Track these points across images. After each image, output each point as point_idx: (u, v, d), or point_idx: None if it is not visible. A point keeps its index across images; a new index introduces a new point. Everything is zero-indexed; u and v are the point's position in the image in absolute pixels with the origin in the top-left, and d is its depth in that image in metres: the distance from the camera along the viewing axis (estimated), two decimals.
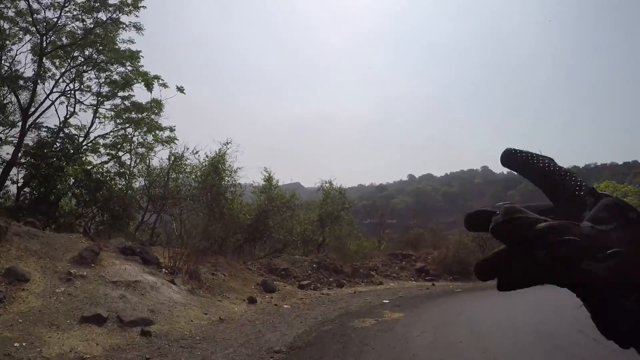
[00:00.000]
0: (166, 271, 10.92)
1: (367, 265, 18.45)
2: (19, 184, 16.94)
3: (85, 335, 6.78)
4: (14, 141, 17.05)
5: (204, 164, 19.86)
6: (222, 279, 11.86)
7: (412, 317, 9.70)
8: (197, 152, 20.06)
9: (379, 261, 20.25)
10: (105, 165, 18.64)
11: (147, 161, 19.78)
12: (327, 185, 24.36)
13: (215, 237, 15.31)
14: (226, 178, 19.67)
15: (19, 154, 16.46)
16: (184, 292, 9.82)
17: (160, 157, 24.77)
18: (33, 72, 16.53)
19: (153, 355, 6.36)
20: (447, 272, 19.39)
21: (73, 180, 16.43)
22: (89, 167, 17.34)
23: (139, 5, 16.52)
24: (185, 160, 19.90)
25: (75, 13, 16.31)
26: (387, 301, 11.83)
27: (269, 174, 21.99)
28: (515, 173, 0.66)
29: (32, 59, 16.89)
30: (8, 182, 16.95)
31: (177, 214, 18.88)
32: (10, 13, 15.92)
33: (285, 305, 10.80)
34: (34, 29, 16.24)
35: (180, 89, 18.37)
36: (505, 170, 0.66)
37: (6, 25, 16.19)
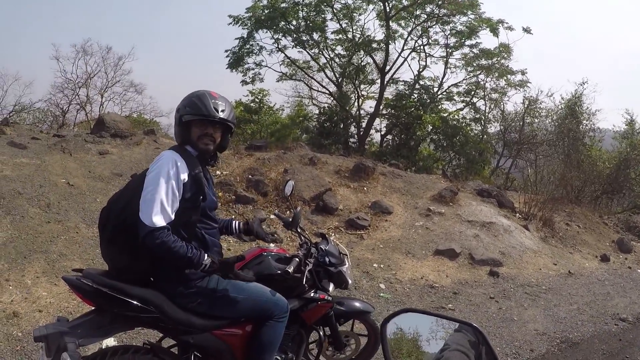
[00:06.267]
0: (520, 216, 10.97)
1: None
2: (382, 132, 19.77)
3: (437, 266, 7.56)
4: (375, 96, 19.48)
5: (559, 107, 18.65)
6: (576, 230, 11.28)
7: None
8: (551, 95, 19.00)
9: None
10: (461, 112, 19.40)
11: (501, 106, 19.74)
12: None
13: (572, 186, 14.51)
14: (584, 122, 18.06)
15: (381, 107, 18.83)
16: (536, 239, 9.76)
17: (514, 101, 24.41)
18: (383, 35, 18.27)
19: (497, 295, 6.69)
20: None
21: (431, 127, 17.89)
22: (445, 115, 18.36)
23: None
24: (540, 103, 19.08)
25: None
26: None
27: (631, 117, 19.12)
28: None
29: (379, 24, 18.65)
30: (372, 131, 19.83)
31: (532, 159, 18.56)
32: None
33: (639, 270, 9.64)
34: None
35: (527, 30, 17.40)
36: None
37: (350, 0, 18.32)
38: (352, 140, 19.30)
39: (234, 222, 3.03)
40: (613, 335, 5.74)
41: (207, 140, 2.50)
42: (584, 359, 4.92)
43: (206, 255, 2.39)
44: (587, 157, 17.06)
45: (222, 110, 2.47)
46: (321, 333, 3.22)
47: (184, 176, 2.37)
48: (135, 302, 2.30)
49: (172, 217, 2.32)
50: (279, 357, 2.81)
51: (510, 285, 7.30)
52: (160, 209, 2.26)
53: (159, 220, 2.25)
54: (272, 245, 3.34)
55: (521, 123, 19.13)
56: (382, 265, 7.21)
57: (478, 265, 7.87)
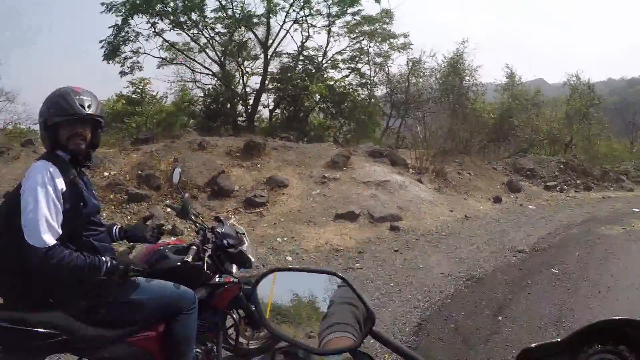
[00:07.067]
0: (413, 171, 11.34)
1: (617, 169, 16.64)
2: (270, 107, 19.55)
3: (339, 230, 7.57)
4: (260, 72, 19.15)
5: (442, 66, 19.61)
6: (468, 178, 11.88)
7: None
8: (434, 55, 19.93)
9: (631, 165, 17.76)
10: (347, 79, 19.61)
11: (386, 69, 20.28)
12: (574, 79, 22.27)
13: (460, 138, 15.26)
14: (467, 78, 19.20)
15: (266, 82, 18.62)
16: (431, 191, 10.15)
17: (398, 64, 25.14)
18: (264, 9, 17.94)
19: (401, 247, 6.83)
20: None
21: (318, 97, 17.99)
22: (331, 83, 18.53)
23: None
24: (424, 64, 19.92)
25: None
26: (638, 210, 10.33)
27: (511, 71, 21.04)
28: None
29: None
30: (260, 107, 19.59)
31: (420, 117, 19.36)
32: None
33: (530, 206, 10.41)
34: None
35: None
36: None
37: None
38: (240, 119, 18.93)
39: (114, 227, 2.83)
40: (513, 266, 6.08)
41: (78, 140, 2.31)
42: (490, 291, 5.11)
43: (102, 257, 2.27)
44: (472, 110, 18.22)
45: (89, 106, 2.28)
46: (235, 316, 3.21)
47: (61, 185, 2.19)
48: (39, 329, 2.09)
49: (60, 231, 2.14)
50: (199, 350, 2.73)
51: (412, 236, 7.50)
52: (47, 226, 2.09)
53: (49, 239, 2.07)
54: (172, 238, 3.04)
55: (407, 84, 19.84)
56: (285, 238, 7.14)
57: (378, 222, 8.01)
